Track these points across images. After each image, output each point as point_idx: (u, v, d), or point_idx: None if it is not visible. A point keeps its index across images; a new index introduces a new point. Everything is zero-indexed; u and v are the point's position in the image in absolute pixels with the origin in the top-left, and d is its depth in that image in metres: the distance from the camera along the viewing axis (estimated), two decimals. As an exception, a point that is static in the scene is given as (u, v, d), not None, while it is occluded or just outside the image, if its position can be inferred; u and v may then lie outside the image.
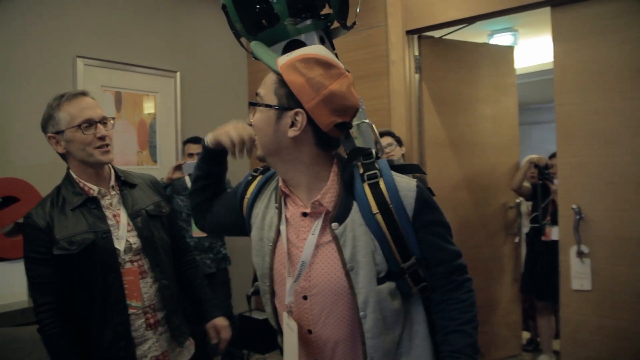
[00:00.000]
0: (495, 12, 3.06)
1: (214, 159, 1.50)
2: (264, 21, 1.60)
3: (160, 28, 3.79)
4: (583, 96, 2.80)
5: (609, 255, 2.75)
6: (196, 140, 3.55)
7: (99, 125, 1.68)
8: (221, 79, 4.27)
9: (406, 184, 1.23)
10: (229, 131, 1.39)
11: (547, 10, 2.93)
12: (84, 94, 1.71)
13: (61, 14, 3.21)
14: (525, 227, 3.93)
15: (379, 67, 3.53)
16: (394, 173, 1.25)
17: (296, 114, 1.17)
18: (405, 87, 3.43)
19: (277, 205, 1.31)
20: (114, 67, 3.47)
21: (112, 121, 1.75)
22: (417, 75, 3.49)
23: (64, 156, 1.73)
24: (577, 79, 2.82)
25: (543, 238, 3.64)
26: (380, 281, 1.20)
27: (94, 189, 1.71)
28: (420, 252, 1.25)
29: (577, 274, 2.88)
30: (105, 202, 1.73)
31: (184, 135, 3.82)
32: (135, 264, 1.72)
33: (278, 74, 1.20)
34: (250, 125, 1.27)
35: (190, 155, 3.49)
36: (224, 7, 1.60)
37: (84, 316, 1.65)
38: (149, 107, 3.72)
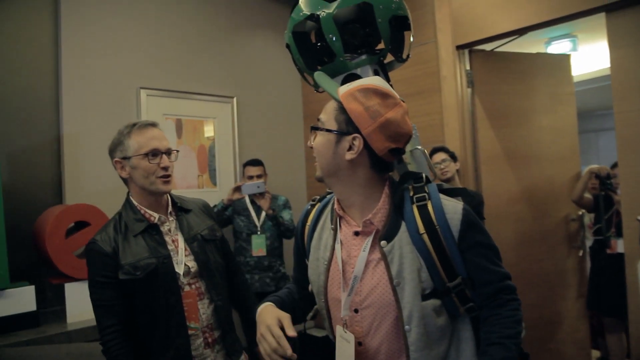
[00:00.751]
0: (546, 22, 3.02)
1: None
2: (324, 58, 1.73)
3: (216, 56, 3.95)
4: (643, 103, 2.71)
5: (680, 268, 2.62)
6: (255, 162, 3.67)
7: (164, 156, 1.77)
8: (276, 102, 4.38)
9: (453, 207, 1.29)
10: (262, 344, 1.30)
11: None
12: (153, 125, 1.81)
13: (124, 49, 3.43)
14: (589, 240, 3.78)
15: (430, 84, 3.54)
16: (442, 196, 1.31)
17: (354, 138, 1.26)
18: (458, 102, 3.41)
19: (332, 226, 1.40)
20: (174, 96, 3.66)
21: (175, 153, 1.84)
22: (469, 90, 3.47)
23: (126, 181, 1.83)
24: (637, 85, 2.73)
25: (608, 251, 3.50)
26: (425, 297, 1.26)
27: (154, 216, 1.79)
28: (466, 273, 1.29)
29: (646, 288, 2.76)
30: (164, 228, 1.81)
31: (242, 158, 3.95)
32: (193, 286, 1.79)
33: (338, 102, 1.30)
34: (311, 147, 1.35)
35: (250, 177, 3.60)
36: (287, 46, 1.75)
37: (146, 338, 1.72)
38: (208, 132, 3.87)
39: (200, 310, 1.79)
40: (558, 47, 4.79)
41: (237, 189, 3.53)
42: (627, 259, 2.84)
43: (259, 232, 3.56)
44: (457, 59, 3.44)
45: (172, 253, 1.77)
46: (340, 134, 1.27)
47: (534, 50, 4.29)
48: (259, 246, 3.54)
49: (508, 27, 3.16)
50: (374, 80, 1.31)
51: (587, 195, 3.61)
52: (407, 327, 1.25)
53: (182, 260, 1.78)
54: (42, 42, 3.12)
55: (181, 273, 1.76)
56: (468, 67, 3.48)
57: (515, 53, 3.64)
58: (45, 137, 3.11)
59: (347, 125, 1.27)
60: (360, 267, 1.30)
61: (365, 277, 1.30)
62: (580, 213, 3.75)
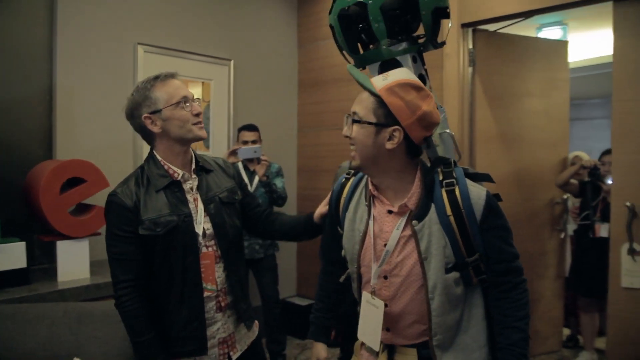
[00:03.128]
0: (556, 6, 3.04)
1: None
2: (366, 40, 1.92)
3: (216, 17, 3.86)
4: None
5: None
6: (250, 127, 3.60)
7: (194, 104, 1.73)
8: (273, 67, 4.34)
9: (477, 193, 1.45)
10: None
11: (599, 4, 2.95)
12: (173, 75, 1.75)
13: (123, 3, 3.29)
14: (571, 224, 3.91)
15: (432, 60, 3.44)
16: (468, 182, 1.47)
17: (394, 130, 1.40)
18: (459, 81, 3.43)
19: (367, 203, 1.56)
20: (172, 54, 3.55)
21: (198, 100, 1.79)
22: (470, 69, 3.49)
23: (150, 137, 1.75)
24: (637, 75, 2.81)
25: (592, 235, 3.61)
26: (447, 271, 1.44)
27: (178, 173, 1.73)
28: (483, 250, 1.46)
29: (627, 271, 2.90)
30: (186, 186, 1.76)
31: (237, 122, 3.89)
32: (210, 248, 1.75)
33: (375, 95, 1.41)
34: (348, 137, 1.48)
35: (245, 142, 3.54)
36: (331, 27, 1.91)
37: (161, 297, 1.70)
38: (204, 94, 3.79)
39: (215, 273, 1.76)
40: (549, 34, 4.85)
41: (233, 152, 3.46)
42: (612, 243, 2.96)
43: (251, 199, 3.52)
44: (461, 37, 3.44)
45: (192, 212, 1.73)
46: (381, 126, 1.40)
47: (526, 35, 4.32)
48: (250, 212, 3.51)
49: (516, 9, 3.16)
50: (404, 74, 1.44)
51: (573, 181, 3.70)
52: (431, 295, 1.43)
53: (202, 220, 1.74)
54: (37, -13, 2.96)
55: (200, 233, 1.72)
56: (471, 46, 3.48)
57: (517, 35, 3.67)
58: (37, 87, 2.97)
59: (387, 118, 1.40)
60: (392, 242, 1.47)
61: (396, 250, 1.48)
62: (564, 197, 3.86)
